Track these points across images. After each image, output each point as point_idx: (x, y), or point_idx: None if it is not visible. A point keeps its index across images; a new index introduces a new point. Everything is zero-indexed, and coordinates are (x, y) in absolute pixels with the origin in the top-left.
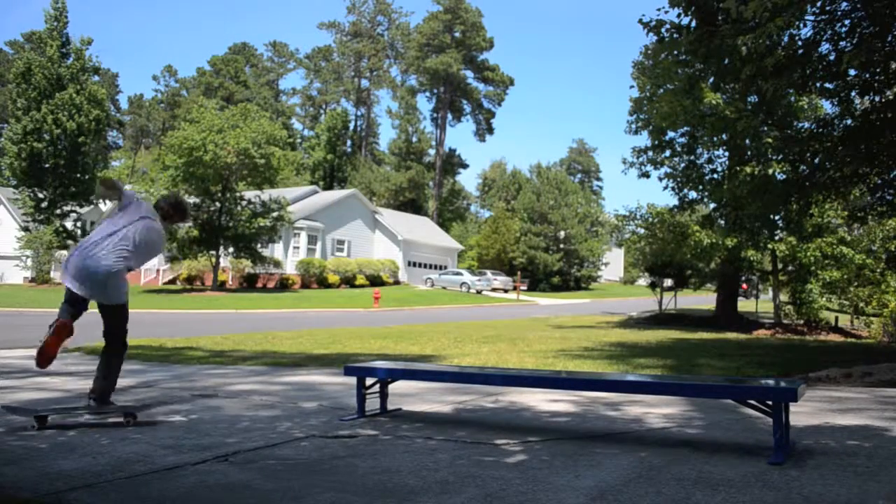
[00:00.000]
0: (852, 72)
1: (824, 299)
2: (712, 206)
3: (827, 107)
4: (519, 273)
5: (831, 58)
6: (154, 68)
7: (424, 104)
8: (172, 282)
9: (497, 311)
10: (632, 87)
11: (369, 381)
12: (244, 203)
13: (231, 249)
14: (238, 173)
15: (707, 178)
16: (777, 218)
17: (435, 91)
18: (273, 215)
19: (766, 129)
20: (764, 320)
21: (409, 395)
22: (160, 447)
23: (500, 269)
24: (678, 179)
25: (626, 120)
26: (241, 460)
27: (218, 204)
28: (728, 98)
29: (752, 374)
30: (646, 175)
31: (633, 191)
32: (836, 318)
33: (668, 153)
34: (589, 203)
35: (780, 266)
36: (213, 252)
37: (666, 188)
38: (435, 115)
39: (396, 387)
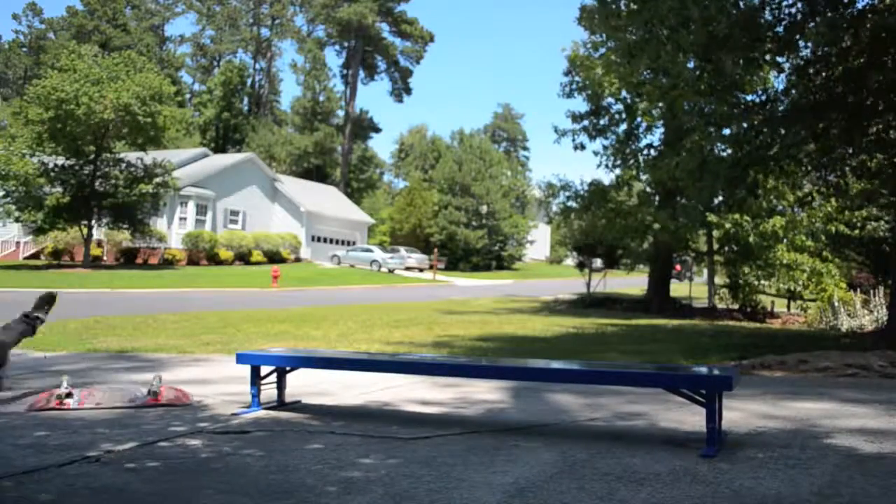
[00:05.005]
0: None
1: (761, 283)
2: (649, 184)
3: (778, 85)
4: (436, 250)
5: (779, 29)
6: (15, 5)
7: (334, 59)
8: (36, 256)
9: (406, 293)
10: (564, 49)
11: (265, 369)
12: (123, 166)
13: (106, 220)
14: (117, 131)
15: (644, 153)
16: (718, 201)
17: (346, 45)
18: (156, 181)
19: (708, 98)
20: (698, 304)
21: (311, 385)
22: (19, 446)
23: (415, 245)
24: (615, 154)
25: (558, 83)
26: (116, 460)
27: (91, 166)
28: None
29: (683, 361)
30: (581, 146)
31: (561, 164)
32: (773, 303)
33: (605, 120)
34: (515, 175)
35: (716, 247)
36: (85, 222)
37: (600, 165)
38: (345, 71)
39: (296, 376)
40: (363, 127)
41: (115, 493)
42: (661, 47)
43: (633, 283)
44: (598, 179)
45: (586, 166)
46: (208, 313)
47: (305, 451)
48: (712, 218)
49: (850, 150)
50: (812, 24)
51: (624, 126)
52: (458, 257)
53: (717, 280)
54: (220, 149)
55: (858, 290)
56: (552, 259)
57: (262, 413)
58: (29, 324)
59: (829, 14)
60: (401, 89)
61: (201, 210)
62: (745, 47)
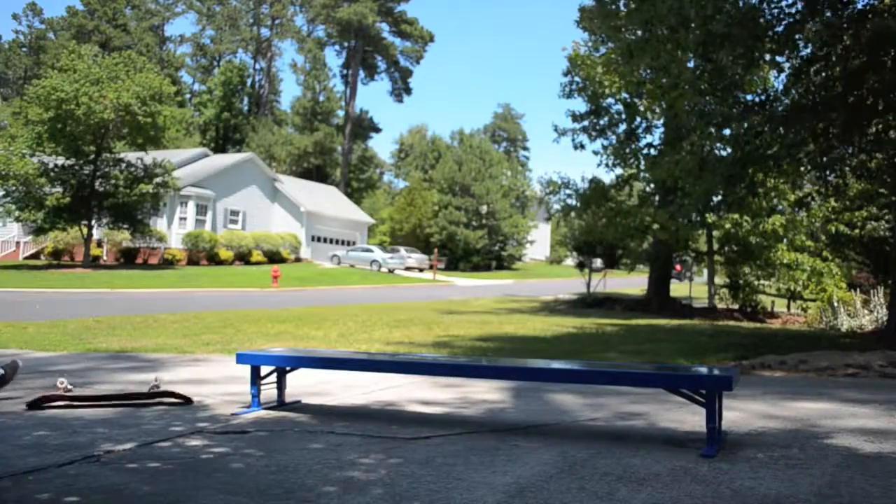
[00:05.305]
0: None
1: (761, 283)
2: (649, 184)
3: (778, 85)
4: (436, 250)
5: (779, 29)
6: (15, 5)
7: (333, 59)
8: (36, 256)
9: (406, 293)
10: (564, 49)
11: (265, 369)
12: (123, 166)
13: (106, 220)
14: (116, 131)
15: (644, 153)
16: (717, 200)
17: (346, 45)
18: (156, 181)
19: (708, 98)
20: (698, 304)
21: (311, 385)
22: (19, 447)
23: (415, 245)
24: (615, 154)
25: (558, 83)
26: (116, 460)
27: (91, 166)
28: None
29: (683, 361)
30: (580, 146)
31: (561, 164)
32: (773, 303)
33: (605, 120)
34: (515, 175)
35: (716, 247)
36: (85, 222)
37: (601, 164)
38: (345, 71)
39: (296, 376)
40: (363, 127)
41: (115, 493)
42: (661, 47)
43: (633, 283)
44: (598, 178)
45: (586, 166)
46: (208, 313)
47: (305, 451)
48: (712, 218)
49: (850, 150)
50: (811, 23)
51: (624, 126)
52: (458, 257)
53: (717, 280)
54: (220, 149)
55: (858, 290)
56: (552, 259)
57: (262, 413)
58: None
59: (829, 14)
60: (401, 89)
61: (201, 210)
62: (745, 46)
